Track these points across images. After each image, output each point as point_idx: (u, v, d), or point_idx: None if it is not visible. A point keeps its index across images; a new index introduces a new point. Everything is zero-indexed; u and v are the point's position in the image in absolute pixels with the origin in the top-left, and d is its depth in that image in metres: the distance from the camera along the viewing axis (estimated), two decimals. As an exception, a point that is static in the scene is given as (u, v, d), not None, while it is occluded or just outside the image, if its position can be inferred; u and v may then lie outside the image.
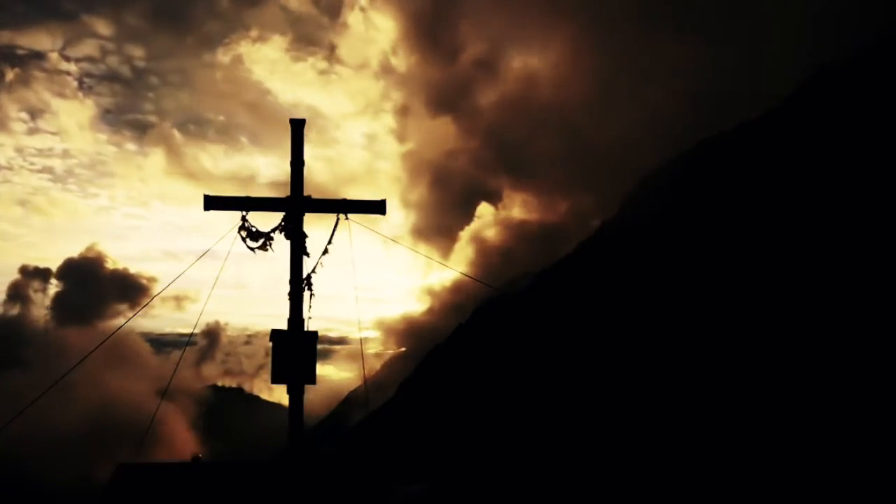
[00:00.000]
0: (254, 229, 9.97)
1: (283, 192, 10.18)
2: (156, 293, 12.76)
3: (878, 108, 43.05)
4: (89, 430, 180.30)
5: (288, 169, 10.11)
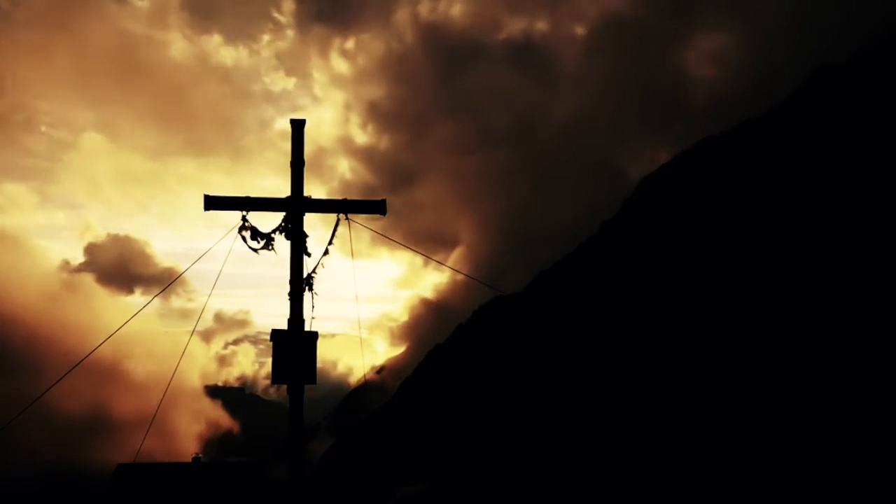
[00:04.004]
0: (255, 230, 10.01)
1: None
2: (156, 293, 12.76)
3: (878, 108, 43.03)
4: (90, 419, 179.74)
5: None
